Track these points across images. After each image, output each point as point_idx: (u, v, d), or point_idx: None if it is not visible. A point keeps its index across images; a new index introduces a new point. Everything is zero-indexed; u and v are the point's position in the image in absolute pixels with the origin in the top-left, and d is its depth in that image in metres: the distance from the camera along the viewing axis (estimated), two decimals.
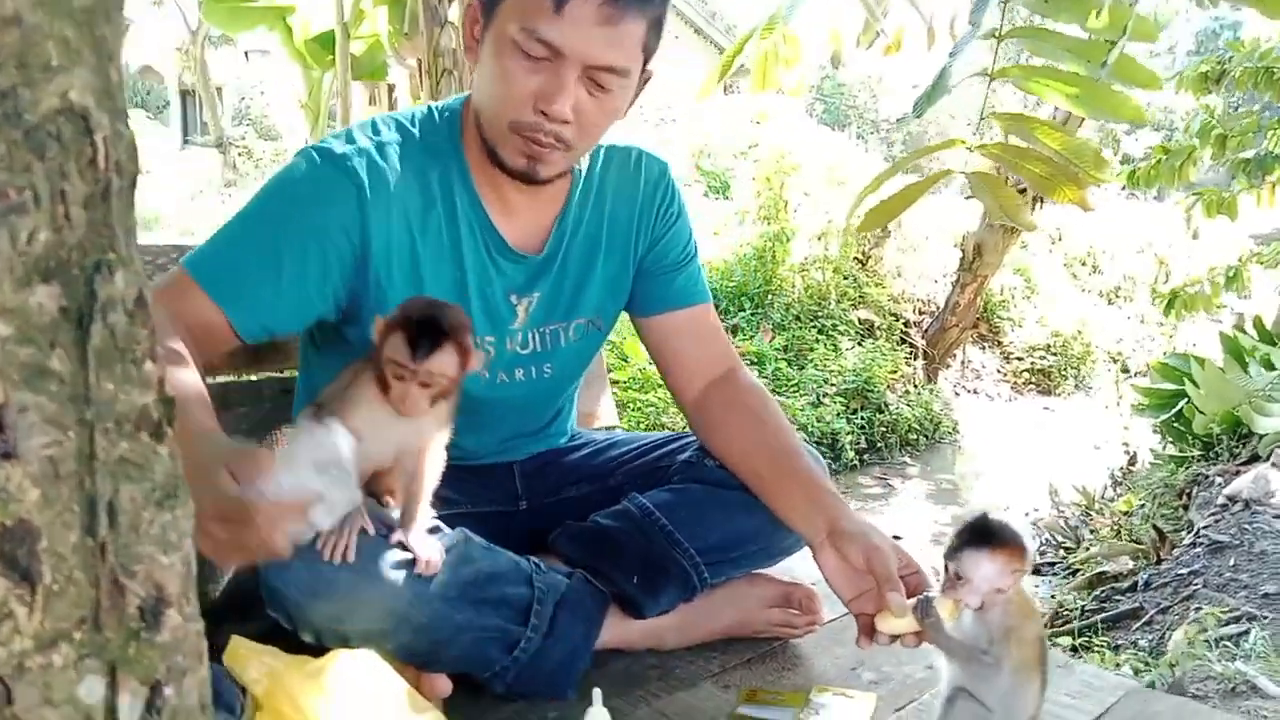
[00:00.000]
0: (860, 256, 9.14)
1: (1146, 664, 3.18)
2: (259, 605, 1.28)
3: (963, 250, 8.32)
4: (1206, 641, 3.10)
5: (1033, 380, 9.52)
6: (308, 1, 5.58)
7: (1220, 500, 4.10)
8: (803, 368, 7.69)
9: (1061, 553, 5.23)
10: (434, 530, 1.29)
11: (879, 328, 8.71)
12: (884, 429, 7.54)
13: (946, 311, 8.55)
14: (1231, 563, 3.61)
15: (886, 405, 7.65)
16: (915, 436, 7.73)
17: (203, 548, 0.88)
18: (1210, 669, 2.91)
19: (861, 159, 11.22)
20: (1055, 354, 9.69)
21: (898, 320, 8.91)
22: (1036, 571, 5.30)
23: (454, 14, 4.92)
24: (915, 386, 8.18)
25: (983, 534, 1.13)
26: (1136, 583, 3.92)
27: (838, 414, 7.25)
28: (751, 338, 7.81)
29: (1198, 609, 3.40)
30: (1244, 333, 5.62)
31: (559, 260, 1.48)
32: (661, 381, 1.71)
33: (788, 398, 7.16)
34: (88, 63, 0.51)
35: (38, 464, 0.51)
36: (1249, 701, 2.74)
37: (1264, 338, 5.47)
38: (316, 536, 1.18)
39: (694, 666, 1.47)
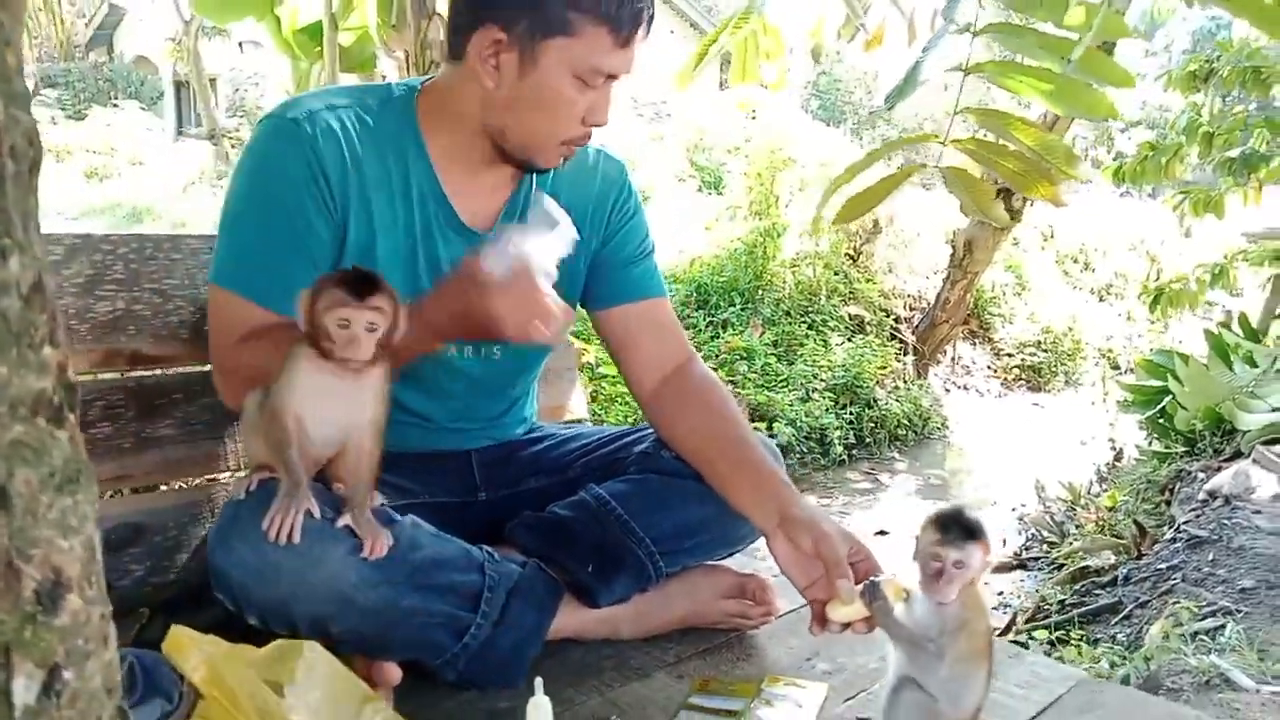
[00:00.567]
0: (851, 252, 9.15)
1: (1123, 658, 3.19)
2: (211, 596, 1.29)
3: (953, 246, 8.32)
4: (1182, 635, 3.11)
5: (1023, 376, 9.53)
6: None
7: (1201, 496, 4.11)
8: (792, 363, 7.70)
9: (1046, 547, 5.25)
10: (386, 519, 1.30)
11: (869, 323, 8.72)
12: (873, 424, 7.55)
13: (937, 307, 8.56)
14: (1210, 557, 3.62)
15: (875, 401, 7.66)
16: (904, 432, 7.74)
17: (535, 335, 1.23)
18: (1185, 663, 2.92)
19: (855, 154, 11.22)
20: (1046, 350, 9.70)
21: (888, 316, 8.91)
22: (1021, 566, 5.32)
23: (441, 6, 4.91)
24: (905, 382, 8.19)
25: (971, 528, 1.13)
26: (1116, 577, 3.93)
27: (826, 409, 7.25)
28: (741, 333, 7.81)
29: (1176, 603, 3.41)
30: (1230, 330, 5.63)
31: None
32: None
33: (776, 393, 7.16)
34: None
35: None
36: (1222, 694, 2.75)
37: (1249, 335, 5.48)
38: (261, 517, 1.19)
39: (649, 657, 1.48)
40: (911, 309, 9.15)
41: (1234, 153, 5.26)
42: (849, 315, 8.64)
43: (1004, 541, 5.66)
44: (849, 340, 8.27)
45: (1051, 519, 5.48)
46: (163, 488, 1.73)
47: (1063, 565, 4.66)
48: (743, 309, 8.17)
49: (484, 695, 1.33)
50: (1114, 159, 6.47)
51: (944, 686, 1.09)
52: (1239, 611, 3.19)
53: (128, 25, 19.79)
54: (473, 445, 1.65)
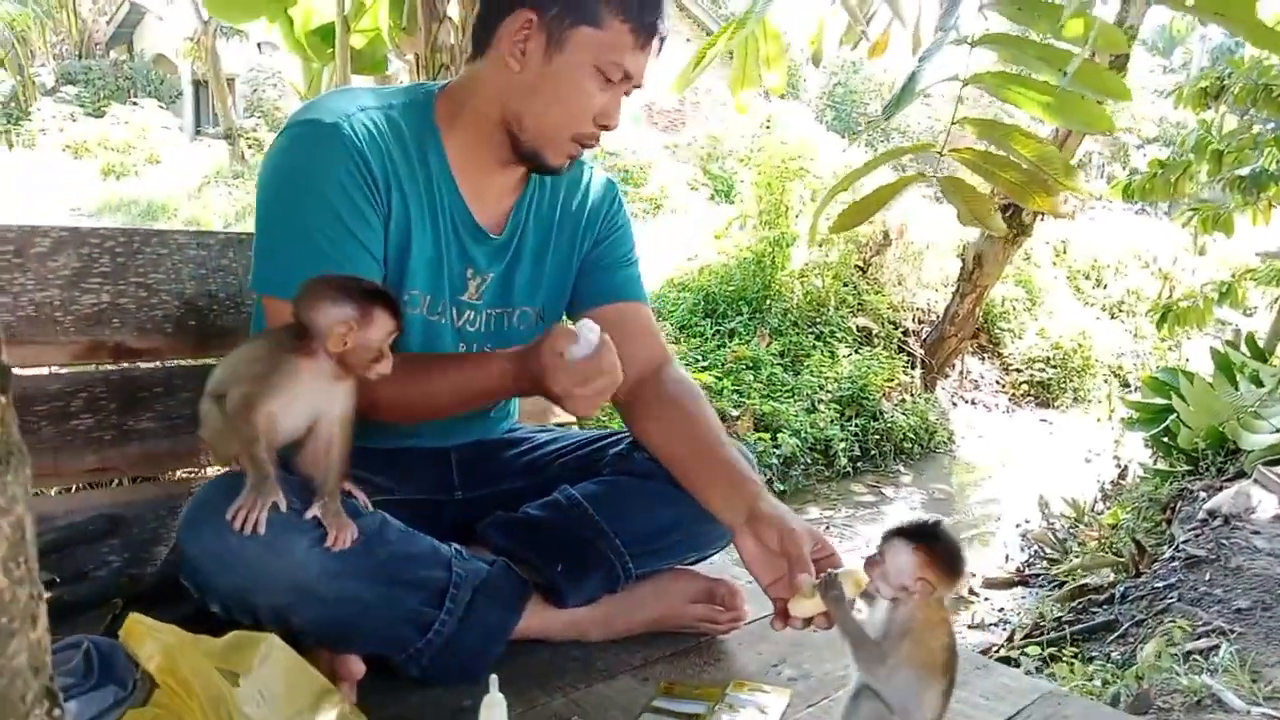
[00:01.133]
0: (861, 264, 9.14)
1: (1115, 676, 3.17)
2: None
3: (963, 260, 8.30)
4: (1175, 655, 3.09)
5: (1031, 392, 9.49)
6: None
7: (1201, 515, 4.08)
8: (798, 373, 7.69)
9: (1048, 564, 5.23)
10: (353, 512, 1.31)
11: (877, 335, 8.71)
12: (878, 437, 7.53)
13: (945, 321, 8.54)
14: (1207, 577, 3.59)
15: (881, 413, 7.64)
16: (910, 445, 7.72)
17: (579, 410, 1.36)
18: (1177, 682, 2.90)
19: None
20: (1055, 366, 9.66)
21: (896, 329, 8.89)
22: (1024, 583, 5.30)
23: (453, 10, 4.94)
24: (912, 395, 8.17)
25: (919, 533, 1.13)
26: (1114, 595, 3.91)
27: (832, 420, 7.24)
28: (748, 342, 7.81)
29: (1171, 622, 3.39)
30: (1237, 349, 5.60)
31: (514, 245, 1.59)
32: None
33: (782, 403, 7.15)
34: None
35: None
36: (1213, 715, 2.73)
37: (1256, 354, 5.45)
38: (225, 505, 1.20)
39: (616, 659, 1.48)
40: (920, 322, 9.13)
41: (1244, 171, 5.22)
42: (857, 327, 8.63)
43: (1006, 558, 5.65)
44: (856, 352, 8.25)
45: (1054, 536, 5.46)
46: (143, 480, 1.74)
47: (1064, 583, 4.64)
48: (750, 318, 8.17)
49: (448, 692, 1.33)
50: (1129, 175, 6.43)
51: (897, 696, 1.09)
52: (1233, 632, 3.17)
53: (148, 24, 19.95)
54: (453, 443, 1.66)
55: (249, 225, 1.49)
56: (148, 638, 1.03)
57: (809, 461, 6.93)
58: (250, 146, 13.99)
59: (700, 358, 7.51)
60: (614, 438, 1.66)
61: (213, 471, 1.71)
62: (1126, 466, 6.00)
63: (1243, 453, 4.59)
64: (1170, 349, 10.35)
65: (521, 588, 1.45)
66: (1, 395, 0.61)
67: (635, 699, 1.36)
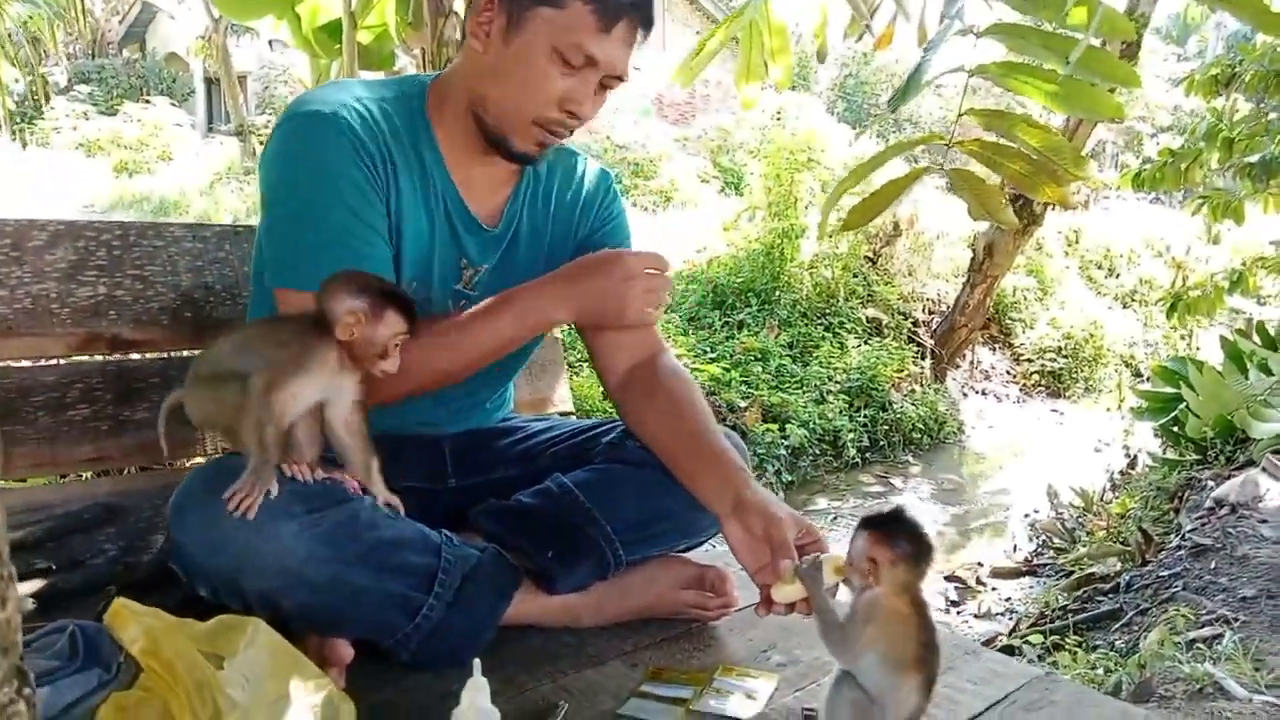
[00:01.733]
0: (871, 254, 9.12)
1: (1118, 664, 3.16)
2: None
3: (974, 250, 8.28)
4: (1178, 643, 3.08)
5: (1042, 382, 9.46)
6: None
7: (1208, 504, 4.06)
8: (807, 364, 7.68)
9: (1056, 554, 5.22)
10: (342, 497, 1.32)
11: (887, 326, 8.69)
12: (887, 428, 7.52)
13: (956, 311, 8.51)
14: (1212, 566, 3.58)
15: (890, 404, 7.64)
16: (919, 436, 7.71)
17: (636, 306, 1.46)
18: (1180, 670, 2.89)
19: None
20: (1066, 356, 9.62)
21: (906, 319, 8.88)
22: (1032, 572, 5.29)
23: (458, 5, 4.95)
24: (922, 386, 8.15)
25: (874, 519, 1.15)
26: (1119, 584, 3.90)
27: (840, 411, 7.24)
28: (757, 333, 7.81)
29: (1176, 611, 3.38)
30: (1248, 338, 5.56)
31: (509, 237, 1.59)
32: None
33: (791, 394, 7.15)
34: None
35: None
36: (1214, 703, 2.72)
37: (1266, 342, 5.40)
38: (215, 489, 1.22)
39: (606, 645, 1.49)
40: (930, 312, 9.11)
41: (1254, 158, 5.18)
42: (866, 318, 8.62)
43: (1015, 548, 5.64)
44: (865, 343, 8.24)
45: (1063, 525, 5.44)
46: (138, 470, 1.76)
47: (1071, 572, 4.63)
48: (759, 310, 8.16)
49: (437, 677, 1.34)
50: (1141, 164, 6.38)
51: (872, 683, 1.10)
52: (1238, 620, 3.16)
53: (160, 23, 20.03)
54: (448, 431, 1.67)
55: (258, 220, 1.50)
56: (132, 621, 1.04)
57: (817, 452, 6.93)
58: (262, 143, 14.00)
59: (709, 349, 7.51)
60: (607, 427, 1.67)
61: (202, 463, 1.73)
62: (1136, 456, 5.98)
63: (1252, 441, 4.56)
64: (1182, 338, 10.29)
65: (512, 574, 1.46)
66: None
67: (624, 684, 1.37)
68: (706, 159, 13.34)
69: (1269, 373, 4.91)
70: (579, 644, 1.49)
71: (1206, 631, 3.14)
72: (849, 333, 8.32)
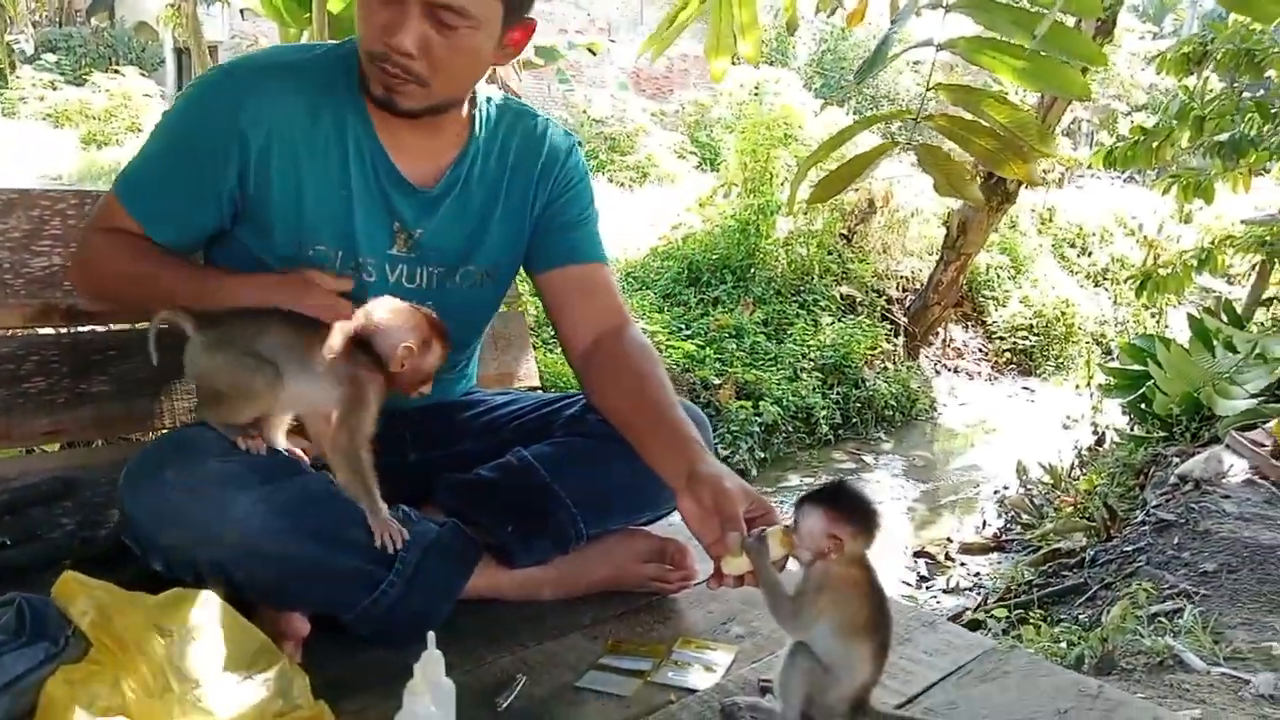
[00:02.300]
0: (845, 232, 9.13)
1: (1081, 638, 3.21)
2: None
3: (948, 228, 8.30)
4: (1140, 617, 3.13)
5: (1014, 360, 9.53)
6: None
7: (1172, 480, 4.12)
8: (781, 342, 7.70)
9: (1024, 530, 5.27)
10: (297, 470, 1.32)
11: (861, 304, 8.72)
12: (860, 405, 7.56)
13: (929, 289, 8.55)
14: (1176, 541, 3.63)
15: (863, 381, 7.67)
16: (891, 413, 7.75)
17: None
18: (1140, 643, 2.93)
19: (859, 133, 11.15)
20: (1038, 334, 9.69)
21: (880, 297, 8.90)
22: (1000, 548, 5.35)
23: None
24: (895, 364, 8.19)
25: (825, 495, 1.16)
26: (1084, 559, 3.96)
27: (814, 389, 7.26)
28: (731, 311, 7.81)
29: (1138, 585, 3.43)
30: (1215, 315, 5.62)
31: (450, 200, 1.55)
32: None
33: (765, 371, 7.16)
34: None
35: None
36: (1174, 675, 2.76)
37: (1233, 321, 5.47)
38: (168, 460, 1.22)
39: (566, 618, 1.49)
40: (904, 290, 9.14)
41: (1223, 137, 5.21)
42: (840, 295, 8.64)
43: (984, 524, 5.70)
44: (839, 320, 8.26)
45: (1031, 501, 5.50)
46: (97, 444, 1.74)
47: (1038, 548, 4.68)
48: (734, 287, 8.16)
49: (395, 651, 1.33)
50: (1115, 142, 6.41)
51: (825, 653, 1.11)
52: (1198, 594, 3.21)
53: None
54: (409, 405, 1.66)
55: None
56: (81, 594, 1.04)
57: (791, 429, 6.96)
58: None
59: (684, 326, 7.50)
60: (569, 400, 1.66)
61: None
62: (1104, 433, 6.04)
63: (1217, 418, 4.62)
64: (1153, 316, 10.39)
65: (471, 549, 1.45)
66: None
67: (584, 657, 1.38)
68: (684, 134, 13.29)
69: (1235, 351, 4.98)
70: (539, 617, 1.50)
71: (1168, 605, 3.19)
72: (823, 310, 8.34)
